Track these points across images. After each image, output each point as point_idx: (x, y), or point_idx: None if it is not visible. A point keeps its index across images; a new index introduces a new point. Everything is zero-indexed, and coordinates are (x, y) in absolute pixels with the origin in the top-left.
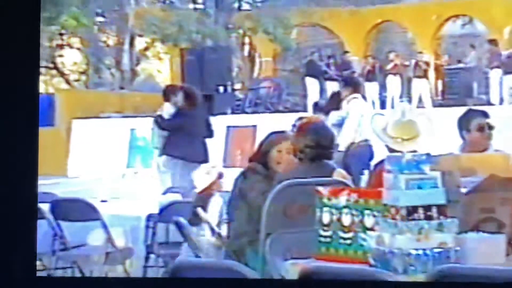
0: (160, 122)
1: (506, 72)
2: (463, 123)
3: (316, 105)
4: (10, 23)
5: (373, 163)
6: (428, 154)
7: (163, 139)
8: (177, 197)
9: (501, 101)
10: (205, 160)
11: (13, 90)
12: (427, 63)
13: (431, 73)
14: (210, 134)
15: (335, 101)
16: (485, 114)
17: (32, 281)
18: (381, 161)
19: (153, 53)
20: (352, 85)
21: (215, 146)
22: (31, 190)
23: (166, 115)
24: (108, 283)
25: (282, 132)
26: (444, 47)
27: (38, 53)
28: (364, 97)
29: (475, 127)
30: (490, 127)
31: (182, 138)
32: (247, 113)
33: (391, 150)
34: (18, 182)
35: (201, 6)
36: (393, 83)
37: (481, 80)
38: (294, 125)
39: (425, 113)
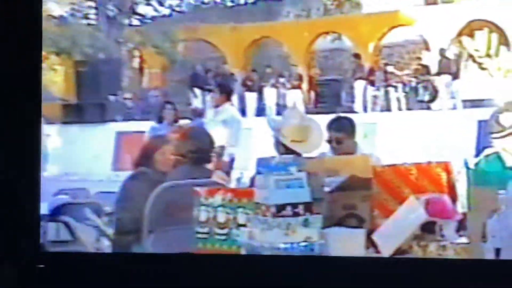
0: None
1: (367, 83)
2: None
3: (195, 112)
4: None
5: None
6: (295, 157)
7: None
8: (66, 199)
9: (365, 109)
10: None
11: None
12: (301, 75)
13: (304, 84)
14: None
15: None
16: (339, 127)
17: (36, 255)
18: None
19: (48, 64)
20: (226, 92)
21: (105, 151)
22: (34, 179)
23: None
24: (107, 258)
25: (162, 136)
26: (316, 61)
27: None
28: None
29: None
30: (339, 142)
31: None
32: (136, 120)
33: (287, 148)
34: (21, 172)
35: (93, 22)
36: (270, 94)
37: (348, 90)
38: (174, 130)
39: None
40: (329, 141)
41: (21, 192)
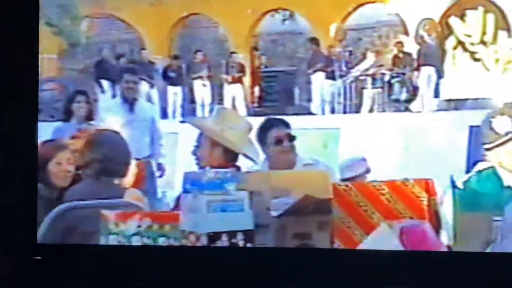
0: None
1: (328, 77)
2: (261, 136)
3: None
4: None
5: None
6: (233, 171)
7: None
8: None
9: (324, 110)
10: None
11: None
12: (242, 65)
13: (247, 77)
14: None
15: None
16: (284, 124)
17: (33, 248)
18: None
19: None
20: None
21: None
22: (30, 167)
23: None
24: (107, 250)
25: (55, 140)
26: (261, 46)
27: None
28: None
29: (272, 140)
30: (291, 139)
31: None
32: None
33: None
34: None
35: None
36: (201, 89)
37: (303, 85)
38: (75, 134)
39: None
40: (279, 141)
41: (17, 184)
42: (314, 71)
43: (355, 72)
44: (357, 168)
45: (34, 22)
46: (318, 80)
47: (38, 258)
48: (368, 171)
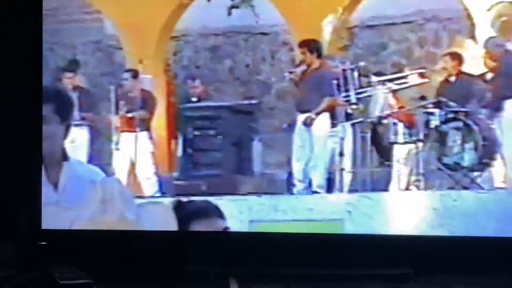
0: None
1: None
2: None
3: None
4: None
5: None
6: None
7: None
8: None
9: (310, 184)
10: None
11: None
12: (150, 95)
13: (159, 119)
14: None
15: None
16: (216, 211)
17: (37, 233)
18: None
19: None
20: None
21: None
22: (35, 157)
23: None
24: (110, 235)
25: None
26: (187, 58)
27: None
28: None
29: None
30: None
31: None
32: None
33: None
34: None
35: None
36: (81, 136)
37: (269, 134)
38: None
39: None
40: None
41: (21, 171)
42: (317, 114)
43: (373, 109)
44: None
45: (36, 22)
46: (320, 128)
47: (43, 243)
48: None
